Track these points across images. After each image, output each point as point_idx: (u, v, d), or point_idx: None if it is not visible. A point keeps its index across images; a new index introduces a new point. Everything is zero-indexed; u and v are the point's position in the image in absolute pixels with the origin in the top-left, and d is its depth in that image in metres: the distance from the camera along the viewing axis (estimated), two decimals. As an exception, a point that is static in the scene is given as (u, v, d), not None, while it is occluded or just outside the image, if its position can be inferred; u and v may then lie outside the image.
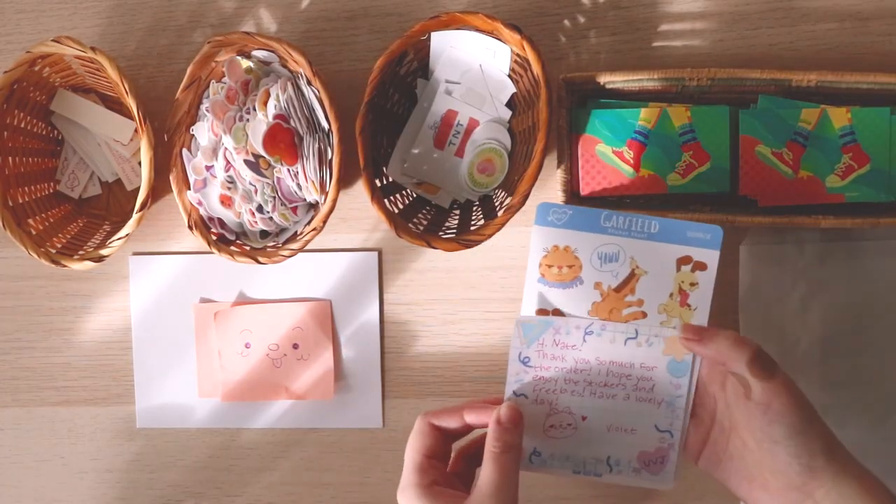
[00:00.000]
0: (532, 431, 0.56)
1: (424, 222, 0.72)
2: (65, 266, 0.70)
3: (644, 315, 0.55)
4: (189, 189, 0.72)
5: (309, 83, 0.69)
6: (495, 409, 0.54)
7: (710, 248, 0.54)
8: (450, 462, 0.58)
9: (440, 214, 0.74)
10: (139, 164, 0.74)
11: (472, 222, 0.71)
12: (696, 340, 0.54)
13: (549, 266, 0.55)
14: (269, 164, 0.71)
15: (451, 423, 0.56)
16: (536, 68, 0.64)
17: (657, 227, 0.54)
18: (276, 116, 0.68)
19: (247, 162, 0.71)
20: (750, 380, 0.51)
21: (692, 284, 0.55)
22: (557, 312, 0.55)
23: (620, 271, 0.55)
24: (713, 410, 0.55)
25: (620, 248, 0.55)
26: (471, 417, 0.56)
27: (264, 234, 0.74)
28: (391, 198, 0.71)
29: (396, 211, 0.70)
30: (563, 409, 0.56)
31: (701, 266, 0.54)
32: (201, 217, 0.72)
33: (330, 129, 0.68)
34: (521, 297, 0.75)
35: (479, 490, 0.52)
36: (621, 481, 0.56)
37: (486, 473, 0.52)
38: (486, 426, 0.55)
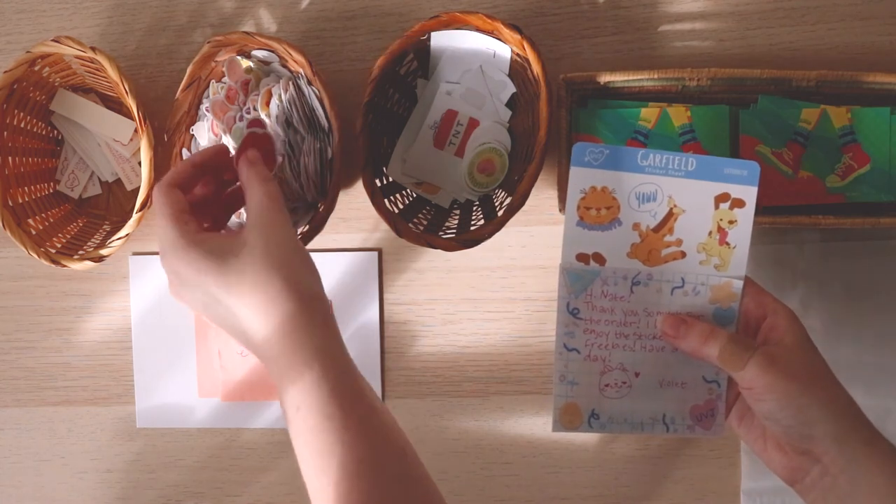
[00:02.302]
0: (588, 391, 0.55)
1: (424, 222, 0.72)
2: (65, 266, 0.70)
3: (683, 255, 0.54)
4: (189, 189, 0.72)
5: (309, 83, 0.69)
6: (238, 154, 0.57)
7: (748, 184, 0.53)
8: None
9: (440, 214, 0.74)
10: (139, 164, 0.74)
11: (472, 222, 0.71)
12: (672, 336, 0.54)
13: (588, 208, 0.54)
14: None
15: (187, 174, 0.57)
16: (536, 68, 0.64)
17: (694, 164, 0.53)
18: (251, 123, 0.68)
19: (247, 162, 0.71)
20: (726, 370, 0.52)
21: (731, 222, 0.54)
22: (597, 256, 0.54)
23: (658, 211, 0.54)
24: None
25: (658, 186, 0.54)
26: (197, 159, 0.58)
27: (264, 234, 0.74)
28: (391, 198, 0.71)
29: (396, 211, 0.70)
30: (617, 366, 0.55)
31: (739, 203, 0.54)
32: (201, 217, 0.72)
33: (330, 129, 0.68)
34: (522, 296, 0.75)
35: (256, 215, 0.53)
36: (677, 437, 0.56)
37: (257, 201, 0.54)
38: (221, 166, 0.59)
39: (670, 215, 0.54)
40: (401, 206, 0.72)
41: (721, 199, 0.54)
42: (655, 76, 0.67)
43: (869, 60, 0.71)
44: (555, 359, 0.55)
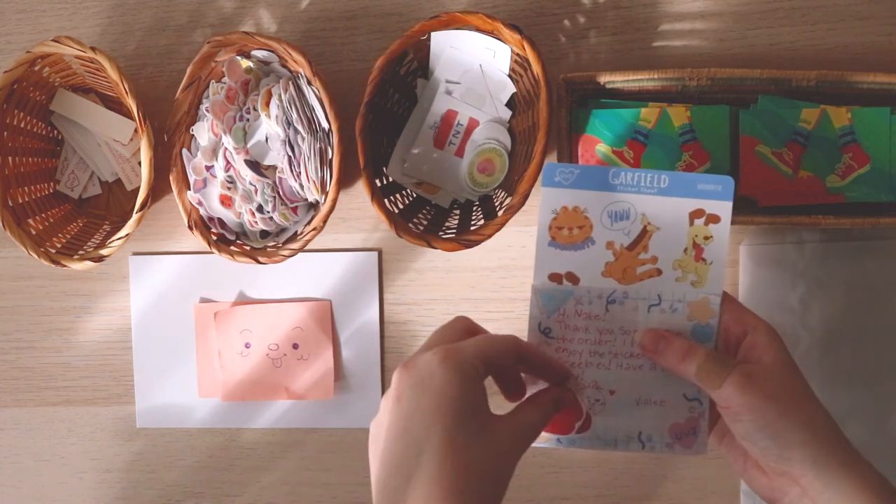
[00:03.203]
0: None
1: (424, 222, 0.72)
2: (65, 266, 0.70)
3: (659, 272, 0.54)
4: (189, 189, 0.72)
5: (309, 83, 0.69)
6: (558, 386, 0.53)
7: (723, 199, 0.53)
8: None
9: (440, 214, 0.74)
10: (139, 164, 0.74)
11: (472, 222, 0.71)
12: (650, 351, 0.53)
13: (560, 228, 0.54)
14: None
15: (497, 356, 0.49)
16: (536, 68, 0.64)
17: (667, 181, 0.53)
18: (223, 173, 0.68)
19: (247, 162, 0.71)
20: (703, 388, 0.51)
21: (706, 238, 0.53)
22: (571, 275, 0.54)
23: (632, 229, 0.53)
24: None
25: (631, 204, 0.53)
26: (524, 370, 0.53)
27: (264, 234, 0.74)
28: (391, 198, 0.71)
29: (396, 211, 0.70)
30: (590, 384, 0.54)
31: (714, 219, 0.53)
32: (201, 217, 0.72)
33: (330, 129, 0.68)
34: (522, 296, 0.75)
35: (520, 426, 0.49)
36: (655, 455, 0.55)
37: (531, 418, 0.50)
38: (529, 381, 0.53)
39: (644, 233, 0.54)
40: (401, 206, 0.72)
41: (695, 215, 0.53)
42: (655, 76, 0.67)
43: (869, 60, 0.71)
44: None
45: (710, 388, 0.50)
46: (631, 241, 0.54)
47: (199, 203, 0.72)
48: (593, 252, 0.54)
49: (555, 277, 0.54)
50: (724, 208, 0.53)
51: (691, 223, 0.53)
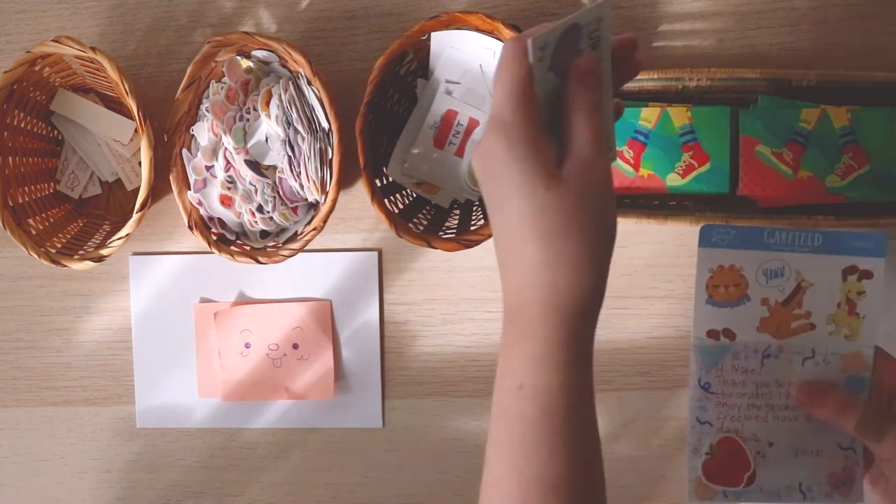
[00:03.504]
0: None
1: (424, 222, 0.72)
2: (65, 266, 0.70)
3: (812, 327, 0.55)
4: (189, 189, 0.72)
5: (309, 83, 0.69)
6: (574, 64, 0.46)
7: (876, 255, 0.54)
8: None
9: (440, 214, 0.74)
10: (139, 164, 0.74)
11: (472, 222, 0.71)
12: (807, 403, 0.54)
13: (716, 286, 0.55)
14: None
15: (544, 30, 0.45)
16: (536, 68, 0.64)
17: (821, 239, 0.55)
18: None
19: (247, 162, 0.71)
20: (863, 440, 0.51)
21: (859, 293, 0.55)
22: (727, 331, 0.55)
23: (786, 286, 0.55)
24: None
25: (785, 262, 0.55)
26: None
27: (264, 234, 0.74)
28: (391, 198, 0.71)
29: (396, 211, 0.70)
30: (750, 437, 0.56)
31: (867, 274, 0.55)
32: (201, 217, 0.72)
33: (330, 129, 0.68)
34: (522, 297, 0.75)
35: (582, 153, 0.44)
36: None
37: (583, 135, 0.44)
38: None
39: (799, 290, 0.55)
40: (401, 206, 0.72)
41: (849, 271, 0.55)
42: (655, 76, 0.67)
43: (869, 60, 0.71)
44: (687, 432, 0.56)
45: (871, 441, 0.51)
46: (785, 297, 0.55)
47: (199, 203, 0.72)
48: (749, 308, 0.55)
49: (712, 334, 0.55)
50: (877, 265, 0.54)
51: (844, 279, 0.55)
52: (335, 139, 0.67)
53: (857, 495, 0.56)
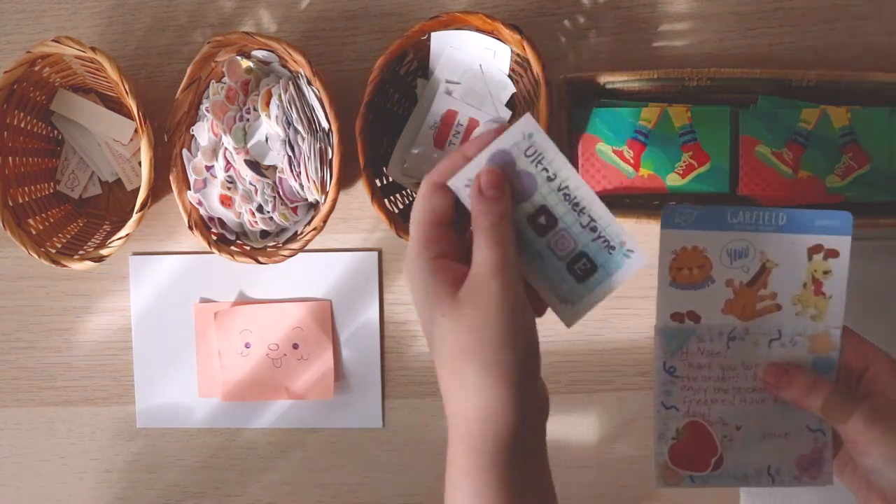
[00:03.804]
0: None
1: (424, 222, 0.72)
2: (65, 266, 0.70)
3: (778, 308, 0.54)
4: (189, 189, 0.72)
5: (309, 83, 0.69)
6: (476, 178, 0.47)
7: (841, 234, 0.53)
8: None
9: (440, 214, 0.74)
10: (139, 164, 0.74)
11: (472, 222, 0.71)
12: (773, 385, 0.53)
13: (679, 268, 0.54)
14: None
15: (453, 168, 0.47)
16: (536, 68, 0.64)
17: (785, 218, 0.54)
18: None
19: (247, 162, 0.71)
20: (829, 422, 0.51)
21: (825, 272, 0.54)
22: (692, 314, 0.55)
23: (751, 266, 0.54)
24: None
25: (749, 242, 0.54)
26: (472, 149, 0.47)
27: (264, 234, 0.74)
28: (391, 198, 0.71)
29: (396, 211, 0.71)
30: (717, 421, 0.55)
31: (833, 253, 0.54)
32: (201, 217, 0.72)
33: (330, 129, 0.68)
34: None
35: (477, 272, 0.45)
36: (783, 487, 0.56)
37: (480, 253, 0.45)
38: None
39: (764, 270, 0.54)
40: (401, 206, 0.72)
41: (814, 250, 0.54)
42: (655, 76, 0.67)
43: (869, 60, 0.71)
44: (654, 418, 0.55)
45: (836, 422, 0.50)
46: (750, 278, 0.54)
47: (199, 203, 0.72)
48: (713, 290, 0.54)
49: (676, 317, 0.55)
50: (843, 243, 0.53)
51: (810, 258, 0.54)
52: (335, 139, 0.67)
53: (827, 477, 0.55)
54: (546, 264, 0.50)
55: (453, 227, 0.48)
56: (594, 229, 0.50)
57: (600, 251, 0.50)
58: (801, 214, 0.53)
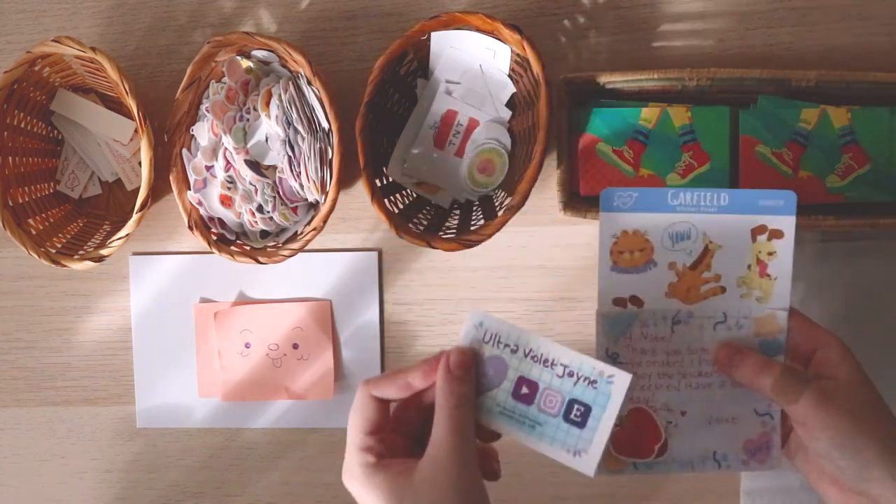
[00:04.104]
0: None
1: (424, 222, 0.72)
2: (65, 266, 0.70)
3: (723, 290, 0.53)
4: (189, 189, 0.72)
5: (309, 83, 0.69)
6: (442, 356, 0.50)
7: (785, 214, 0.53)
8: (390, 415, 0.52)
9: (440, 214, 0.74)
10: (139, 164, 0.74)
11: (472, 222, 0.71)
12: (725, 364, 0.53)
13: (621, 252, 0.53)
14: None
15: (394, 392, 0.50)
16: (536, 68, 0.64)
17: (727, 198, 0.53)
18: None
19: (247, 162, 0.71)
20: (779, 402, 0.50)
21: (770, 254, 0.53)
22: (635, 299, 0.54)
23: (694, 248, 0.53)
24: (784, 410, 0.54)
25: (691, 224, 0.53)
26: (418, 380, 0.50)
27: (264, 234, 0.74)
28: (391, 198, 0.71)
29: (396, 211, 0.71)
30: (661, 407, 0.54)
31: (777, 234, 0.53)
32: (201, 217, 0.72)
33: (330, 129, 0.68)
34: (521, 296, 0.75)
35: (434, 454, 0.47)
36: (730, 472, 0.55)
37: (440, 433, 0.47)
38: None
39: (706, 252, 0.53)
40: (401, 206, 0.72)
41: (758, 231, 0.53)
42: (655, 76, 0.67)
43: (869, 60, 0.71)
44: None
45: (786, 402, 0.49)
46: (693, 260, 0.53)
47: (199, 203, 0.72)
48: (656, 274, 0.53)
49: (619, 302, 0.54)
50: (787, 223, 0.53)
51: (754, 239, 0.53)
52: (335, 139, 0.67)
53: (775, 462, 0.54)
54: (546, 427, 0.51)
55: (388, 429, 0.50)
56: (571, 374, 0.50)
57: (586, 391, 0.50)
58: (743, 194, 0.53)
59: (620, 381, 0.50)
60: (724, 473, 0.54)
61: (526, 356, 0.51)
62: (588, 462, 0.50)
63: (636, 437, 0.54)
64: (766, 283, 0.53)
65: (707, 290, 0.54)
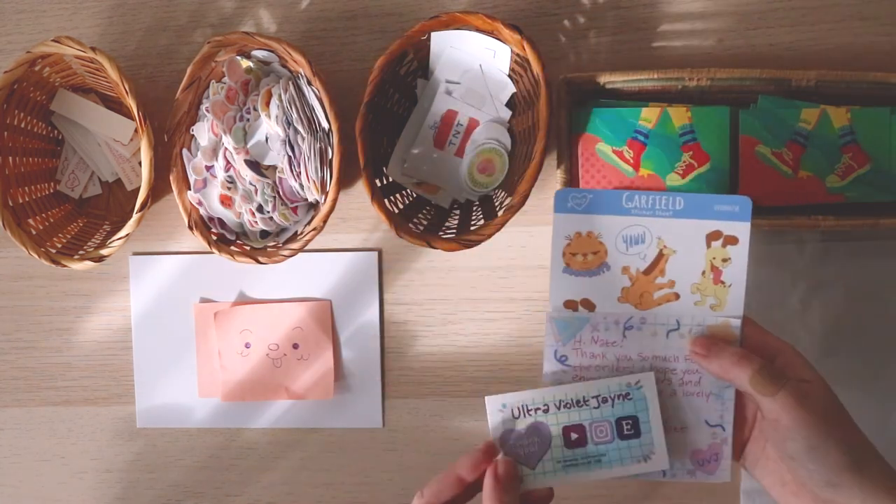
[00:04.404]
0: None
1: (424, 222, 0.72)
2: (65, 266, 0.70)
3: (677, 297, 0.53)
4: (189, 189, 0.72)
5: (309, 83, 0.69)
6: (490, 462, 0.51)
7: (740, 220, 0.52)
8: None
9: (440, 214, 0.74)
10: (139, 164, 0.74)
11: (472, 222, 0.71)
12: (702, 355, 0.52)
13: (574, 254, 0.53)
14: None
15: (450, 491, 0.51)
16: (536, 68, 0.64)
17: (682, 203, 0.52)
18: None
19: (247, 162, 0.71)
20: (755, 397, 0.50)
21: (724, 260, 0.52)
22: (586, 302, 0.53)
23: (648, 253, 0.52)
24: (755, 410, 0.53)
25: (646, 228, 0.52)
26: (467, 473, 0.51)
27: (264, 234, 0.74)
28: (391, 198, 0.71)
29: (396, 211, 0.71)
30: None
31: (732, 240, 0.52)
32: (201, 217, 0.72)
33: (330, 129, 0.68)
34: (522, 296, 0.75)
35: None
36: (675, 481, 0.55)
37: None
38: (482, 477, 0.52)
39: (660, 257, 0.53)
40: (401, 206, 0.72)
41: (713, 237, 0.52)
42: (655, 76, 0.67)
43: (869, 60, 0.71)
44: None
45: (764, 394, 0.49)
46: (647, 265, 0.53)
47: (199, 203, 0.72)
48: (609, 277, 0.53)
49: (570, 304, 0.53)
50: (742, 229, 0.52)
51: (709, 245, 0.52)
52: (335, 139, 0.67)
53: (724, 474, 0.54)
54: (609, 454, 0.52)
55: None
56: (605, 400, 0.52)
57: (625, 406, 0.52)
58: (698, 199, 0.52)
59: (647, 381, 0.51)
60: (671, 481, 0.55)
61: (559, 408, 0.52)
62: (660, 460, 0.52)
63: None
64: (720, 291, 0.53)
65: (661, 297, 0.53)
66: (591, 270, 0.53)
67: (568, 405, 0.52)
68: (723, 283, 0.53)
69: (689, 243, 0.52)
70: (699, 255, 0.52)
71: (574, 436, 0.52)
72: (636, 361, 0.53)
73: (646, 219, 0.52)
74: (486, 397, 0.52)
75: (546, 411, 0.52)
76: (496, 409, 0.52)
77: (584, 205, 0.52)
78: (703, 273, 0.53)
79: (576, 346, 0.53)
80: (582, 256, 0.53)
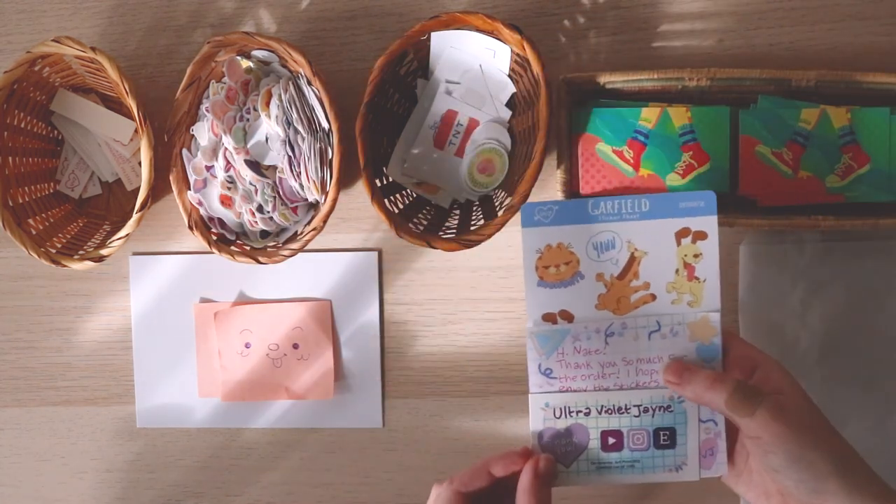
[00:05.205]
0: None
1: (424, 222, 0.72)
2: (65, 266, 0.70)
3: (653, 298, 0.53)
4: (189, 189, 0.72)
5: (309, 83, 0.69)
6: (529, 458, 0.52)
7: (706, 214, 0.52)
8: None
9: (440, 214, 0.74)
10: (139, 164, 0.74)
11: (472, 222, 0.71)
12: (675, 383, 0.52)
13: (546, 267, 0.53)
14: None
15: (479, 483, 0.53)
16: (536, 68, 0.64)
17: (648, 204, 0.52)
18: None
19: (247, 162, 0.71)
20: (734, 418, 0.50)
21: (696, 256, 0.53)
22: (564, 313, 0.54)
23: (620, 258, 0.53)
24: (736, 425, 0.53)
25: (615, 233, 0.53)
26: (498, 469, 0.52)
27: (264, 234, 0.74)
28: (391, 198, 0.72)
29: (396, 211, 0.71)
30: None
31: (701, 235, 0.52)
32: (201, 217, 0.72)
33: (330, 129, 0.68)
34: (522, 296, 0.75)
35: None
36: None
37: None
38: (513, 474, 0.52)
39: (633, 260, 0.53)
40: (401, 206, 0.72)
41: (682, 234, 0.53)
42: (655, 76, 0.67)
43: (869, 60, 0.71)
44: (531, 420, 0.54)
45: (741, 416, 0.49)
46: (620, 269, 0.53)
47: (199, 203, 0.72)
48: (584, 286, 0.53)
49: (549, 317, 0.54)
50: (709, 223, 0.52)
51: (679, 243, 0.53)
52: (335, 139, 0.67)
53: (720, 467, 0.54)
54: (642, 461, 0.54)
55: None
56: (646, 410, 0.53)
57: (664, 417, 0.53)
58: (663, 198, 0.52)
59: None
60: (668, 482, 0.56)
61: (600, 413, 0.53)
62: (692, 471, 0.54)
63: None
64: (695, 287, 0.53)
65: (637, 299, 0.53)
66: (565, 281, 0.53)
67: (609, 411, 0.54)
68: (697, 278, 0.53)
69: (660, 243, 0.53)
70: (670, 253, 0.53)
71: (612, 440, 0.54)
72: (621, 367, 0.54)
73: (614, 224, 0.53)
74: (530, 394, 0.54)
75: (587, 414, 0.54)
76: (538, 407, 0.54)
77: (550, 217, 0.53)
78: (677, 271, 0.53)
79: (559, 359, 0.54)
80: (555, 268, 0.53)
